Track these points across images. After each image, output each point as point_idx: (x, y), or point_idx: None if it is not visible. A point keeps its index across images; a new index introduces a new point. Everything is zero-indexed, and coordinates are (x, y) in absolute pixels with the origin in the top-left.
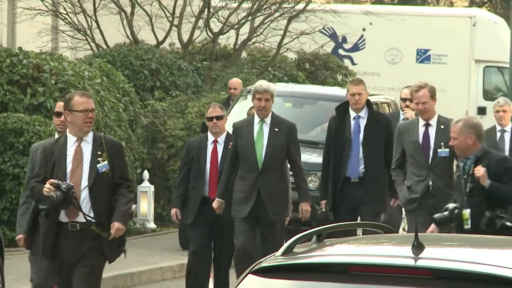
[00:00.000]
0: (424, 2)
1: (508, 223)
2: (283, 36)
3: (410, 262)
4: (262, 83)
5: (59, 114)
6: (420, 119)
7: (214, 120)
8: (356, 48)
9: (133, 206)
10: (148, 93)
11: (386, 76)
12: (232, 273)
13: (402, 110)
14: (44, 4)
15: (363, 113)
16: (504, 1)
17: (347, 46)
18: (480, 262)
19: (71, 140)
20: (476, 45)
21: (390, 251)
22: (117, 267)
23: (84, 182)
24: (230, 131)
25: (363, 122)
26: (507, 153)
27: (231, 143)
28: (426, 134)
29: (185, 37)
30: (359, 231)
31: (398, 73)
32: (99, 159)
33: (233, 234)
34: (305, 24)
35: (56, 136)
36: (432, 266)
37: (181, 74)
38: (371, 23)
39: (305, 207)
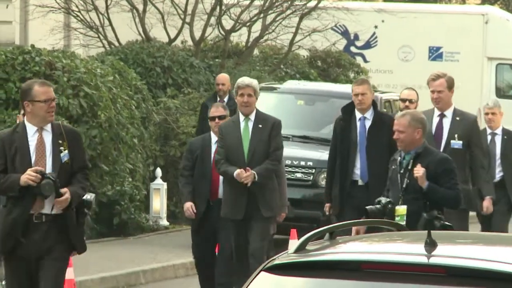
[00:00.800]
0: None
1: (447, 223)
2: (295, 34)
3: (423, 259)
4: (244, 79)
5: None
6: (435, 109)
7: (217, 120)
8: (368, 45)
9: (92, 196)
10: (160, 90)
11: (399, 73)
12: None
13: (401, 110)
14: (57, 2)
15: (369, 114)
16: None
17: (359, 43)
18: (494, 259)
19: (31, 129)
20: (489, 43)
21: (403, 249)
22: (130, 264)
23: (49, 172)
24: None
25: (368, 123)
26: (498, 156)
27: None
28: (440, 125)
29: (197, 35)
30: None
31: (411, 70)
32: (60, 148)
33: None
34: (317, 21)
35: None
36: (445, 263)
37: (193, 71)
38: (383, 21)
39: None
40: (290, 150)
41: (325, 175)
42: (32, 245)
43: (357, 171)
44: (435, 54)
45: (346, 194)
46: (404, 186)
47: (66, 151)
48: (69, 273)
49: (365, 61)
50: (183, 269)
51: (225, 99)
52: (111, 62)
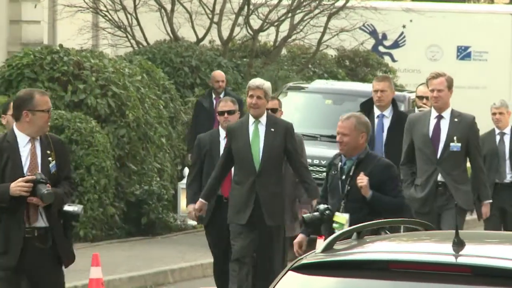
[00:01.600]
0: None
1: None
2: (323, 33)
3: (451, 259)
4: (256, 80)
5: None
6: (433, 111)
7: (225, 115)
8: (396, 45)
9: (80, 208)
10: (188, 90)
11: (427, 73)
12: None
13: (418, 108)
14: (85, 1)
15: (388, 112)
16: None
17: (387, 43)
18: None
19: (24, 139)
20: None
21: (431, 248)
22: (158, 263)
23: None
24: None
25: (386, 122)
26: (507, 156)
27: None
28: (437, 127)
29: (225, 34)
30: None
31: (439, 70)
32: (49, 158)
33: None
34: (345, 21)
35: None
36: (472, 263)
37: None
38: (411, 20)
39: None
40: (318, 150)
41: None
42: (25, 260)
43: None
44: (463, 53)
45: None
46: (344, 193)
47: (54, 162)
48: (97, 272)
49: (393, 60)
50: (211, 268)
51: (221, 96)
52: (139, 61)
